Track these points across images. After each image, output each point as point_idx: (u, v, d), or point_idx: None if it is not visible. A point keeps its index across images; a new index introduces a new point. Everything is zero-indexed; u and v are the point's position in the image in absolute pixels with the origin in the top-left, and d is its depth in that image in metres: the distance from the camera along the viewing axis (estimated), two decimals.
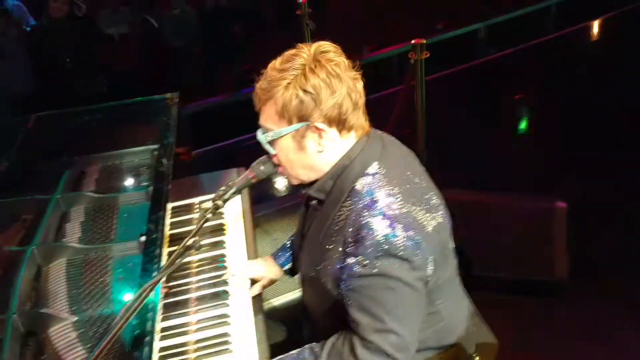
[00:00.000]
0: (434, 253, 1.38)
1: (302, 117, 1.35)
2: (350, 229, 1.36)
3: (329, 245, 1.42)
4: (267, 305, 2.24)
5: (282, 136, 1.40)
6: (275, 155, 1.47)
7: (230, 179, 2.41)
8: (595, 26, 7.00)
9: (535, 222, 2.93)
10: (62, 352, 1.51)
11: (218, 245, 2.01)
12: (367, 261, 1.31)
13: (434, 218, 1.40)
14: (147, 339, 1.39)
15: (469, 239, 2.55)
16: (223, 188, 1.57)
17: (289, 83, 1.33)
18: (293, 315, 2.02)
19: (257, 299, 1.76)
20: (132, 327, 1.42)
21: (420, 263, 1.33)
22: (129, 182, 2.25)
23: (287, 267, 1.88)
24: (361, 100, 1.41)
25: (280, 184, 4.12)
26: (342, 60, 1.38)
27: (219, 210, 1.52)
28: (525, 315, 2.86)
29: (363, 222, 1.32)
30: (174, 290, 1.82)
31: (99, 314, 1.61)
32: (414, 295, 1.36)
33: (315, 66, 1.34)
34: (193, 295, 1.81)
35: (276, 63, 1.39)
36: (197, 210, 2.21)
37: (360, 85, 1.41)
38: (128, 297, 1.68)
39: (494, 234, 3.00)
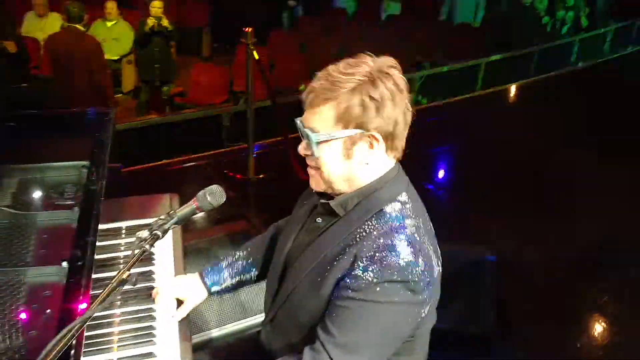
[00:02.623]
0: (435, 296, 1.38)
1: (360, 124, 1.31)
2: (370, 246, 1.31)
3: (340, 258, 1.35)
4: (205, 336, 2.09)
5: (334, 139, 1.33)
6: (316, 158, 1.38)
7: (162, 205, 2.32)
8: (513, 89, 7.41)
9: (465, 272, 2.96)
10: None
11: (145, 275, 1.87)
12: (376, 280, 1.26)
13: (438, 264, 1.40)
14: None
15: None
16: (162, 217, 1.44)
17: (355, 87, 1.29)
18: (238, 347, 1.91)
19: (186, 343, 1.63)
20: None
21: (423, 300, 1.31)
22: (51, 199, 2.05)
23: (214, 289, 1.78)
24: (409, 122, 1.40)
25: None
26: (404, 79, 1.37)
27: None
28: None
29: (389, 243, 1.29)
30: (95, 322, 1.65)
31: (5, 349, 1.42)
32: (397, 328, 1.33)
33: (385, 76, 1.31)
34: (116, 329, 1.66)
35: (339, 66, 1.34)
36: (124, 235, 2.06)
37: (411, 107, 1.39)
38: (43, 328, 1.49)
39: None
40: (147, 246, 1.33)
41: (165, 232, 1.40)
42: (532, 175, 4.88)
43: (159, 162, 4.81)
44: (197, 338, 2.35)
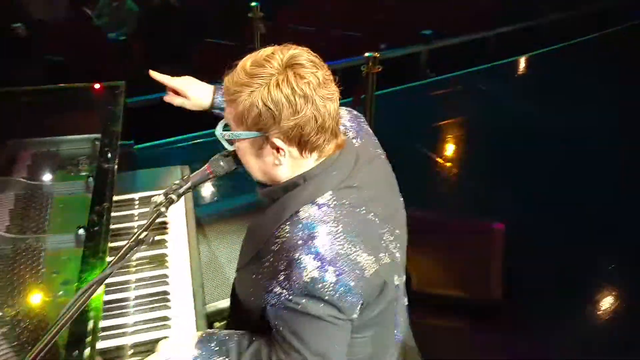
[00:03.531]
0: (366, 297, 1.31)
1: (260, 129, 1.26)
2: (283, 259, 1.28)
3: (264, 261, 1.34)
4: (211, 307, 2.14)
5: (239, 139, 1.32)
6: (233, 151, 1.40)
7: (173, 176, 2.35)
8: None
9: (474, 242, 3.00)
10: None
11: (160, 244, 1.92)
12: (292, 297, 1.25)
13: (378, 260, 1.32)
14: (89, 339, 1.28)
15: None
16: (177, 182, 1.47)
17: (252, 92, 1.24)
18: None
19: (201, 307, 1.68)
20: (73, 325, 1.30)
21: (348, 307, 1.27)
22: (66, 171, 2.09)
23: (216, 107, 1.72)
24: (331, 122, 1.29)
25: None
26: (317, 76, 1.25)
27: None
28: (461, 336, 2.90)
29: (295, 258, 1.24)
30: (112, 288, 1.70)
31: (27, 311, 1.47)
32: (335, 330, 1.29)
33: (283, 80, 1.22)
34: (132, 294, 1.71)
35: (247, 64, 1.28)
36: (137, 205, 2.11)
37: (332, 105, 1.29)
38: (61, 293, 1.55)
39: (432, 252, 3.04)
40: (163, 209, 1.36)
41: (179, 196, 1.42)
42: (544, 146, 4.86)
43: (170, 139, 4.84)
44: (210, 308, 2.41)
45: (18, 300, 1.52)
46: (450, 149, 5.04)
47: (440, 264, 3.06)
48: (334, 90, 1.30)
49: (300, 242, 1.25)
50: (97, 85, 2.48)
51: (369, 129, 1.59)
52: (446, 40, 6.93)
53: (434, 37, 6.85)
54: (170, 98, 1.74)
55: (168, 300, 1.71)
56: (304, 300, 1.23)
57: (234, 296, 1.56)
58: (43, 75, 5.18)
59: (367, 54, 3.17)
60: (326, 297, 1.23)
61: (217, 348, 1.43)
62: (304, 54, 1.28)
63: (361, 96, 3.36)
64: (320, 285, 1.22)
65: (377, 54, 3.18)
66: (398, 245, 1.43)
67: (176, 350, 1.45)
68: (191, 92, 1.71)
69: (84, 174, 2.03)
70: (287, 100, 1.22)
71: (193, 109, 1.74)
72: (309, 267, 1.22)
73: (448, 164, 4.70)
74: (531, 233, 3.57)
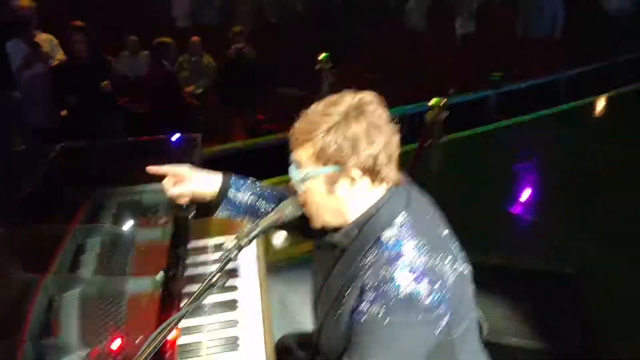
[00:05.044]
0: (453, 306, 1.37)
1: (338, 162, 1.36)
2: (371, 278, 1.34)
3: (349, 291, 1.41)
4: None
5: (315, 177, 1.40)
6: (302, 194, 1.47)
7: (245, 223, 2.45)
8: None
9: (548, 289, 2.90)
10: None
11: (231, 288, 2.00)
12: (382, 313, 1.30)
13: (455, 270, 1.40)
14: None
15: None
16: (247, 228, 1.55)
17: (330, 127, 1.35)
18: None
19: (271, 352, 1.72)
20: None
21: (437, 317, 1.33)
22: (147, 218, 2.24)
23: (230, 192, 1.69)
24: (396, 154, 1.42)
25: (279, 239, 4.10)
26: (384, 113, 1.40)
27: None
28: None
29: (388, 276, 1.31)
30: (185, 332, 1.79)
31: (109, 350, 1.57)
32: (414, 350, 1.35)
33: (358, 114, 1.35)
34: (204, 336, 1.79)
35: (318, 107, 1.41)
36: (212, 251, 2.21)
37: (397, 138, 1.42)
38: (140, 331, 1.64)
39: (505, 299, 2.97)
40: (234, 254, 1.44)
41: (249, 241, 1.49)
42: (618, 188, 4.67)
43: None
44: None
45: (102, 339, 1.63)
46: (522, 193, 4.94)
47: (513, 311, 2.98)
48: (396, 127, 1.42)
49: (389, 260, 1.33)
50: (176, 137, 2.65)
51: None
52: (515, 84, 6.87)
53: (503, 81, 6.81)
54: (167, 186, 1.68)
55: (237, 345, 1.77)
56: (394, 315, 1.29)
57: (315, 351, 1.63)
58: (127, 126, 5.53)
59: (433, 101, 3.21)
60: (421, 306, 1.29)
61: None
62: (370, 95, 1.42)
63: (427, 141, 3.40)
64: (417, 297, 1.29)
65: (443, 100, 3.22)
66: (465, 256, 1.49)
67: None
68: (196, 176, 1.68)
69: (163, 220, 2.17)
70: (364, 132, 1.34)
71: (196, 199, 1.70)
72: (403, 282, 1.29)
73: (520, 209, 4.60)
74: (607, 279, 3.42)
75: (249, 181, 1.75)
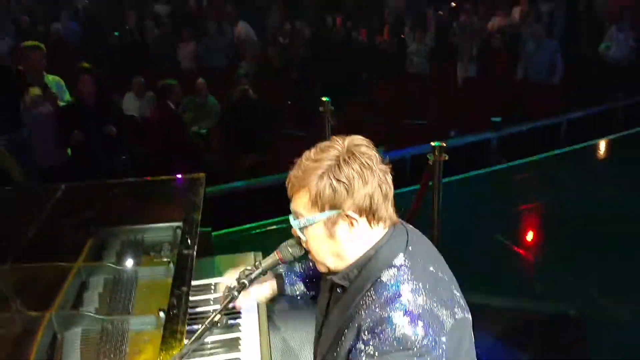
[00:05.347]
0: (449, 351, 1.36)
1: (335, 206, 1.39)
2: (369, 319, 1.36)
3: (347, 331, 1.42)
4: None
5: (314, 223, 1.43)
6: (305, 241, 1.50)
7: (248, 262, 2.47)
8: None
9: (549, 331, 2.89)
10: None
11: (233, 327, 2.00)
12: (377, 354, 1.31)
13: (453, 315, 1.40)
14: None
15: None
16: (249, 267, 1.59)
17: (323, 172, 1.39)
18: None
19: None
20: None
21: (433, 359, 1.32)
22: (150, 256, 2.26)
23: (287, 287, 1.96)
24: (390, 193, 1.45)
25: None
26: (374, 153, 1.44)
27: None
28: None
29: (385, 316, 1.32)
30: None
31: None
32: None
33: (349, 157, 1.39)
34: None
35: (311, 153, 1.45)
36: (214, 290, 2.21)
37: (389, 177, 1.45)
38: None
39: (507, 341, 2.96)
40: (235, 293, 1.46)
41: (251, 281, 1.53)
42: (620, 233, 4.67)
43: (244, 226, 5.03)
44: None
45: None
46: (524, 235, 4.94)
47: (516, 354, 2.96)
48: (387, 166, 1.46)
49: (387, 301, 1.35)
50: (179, 177, 2.70)
51: None
52: (516, 126, 6.94)
53: (504, 124, 6.88)
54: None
55: None
56: (389, 357, 1.30)
57: None
58: (131, 167, 5.59)
59: (433, 143, 3.26)
60: (415, 350, 1.29)
61: None
62: (359, 138, 1.46)
63: (428, 183, 3.43)
64: (412, 339, 1.29)
65: (443, 143, 3.26)
66: (465, 303, 1.49)
67: None
68: (254, 290, 1.91)
69: (165, 259, 2.19)
70: (357, 173, 1.38)
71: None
72: (400, 323, 1.31)
73: (522, 251, 4.60)
74: (609, 323, 3.39)
75: (297, 268, 1.97)
